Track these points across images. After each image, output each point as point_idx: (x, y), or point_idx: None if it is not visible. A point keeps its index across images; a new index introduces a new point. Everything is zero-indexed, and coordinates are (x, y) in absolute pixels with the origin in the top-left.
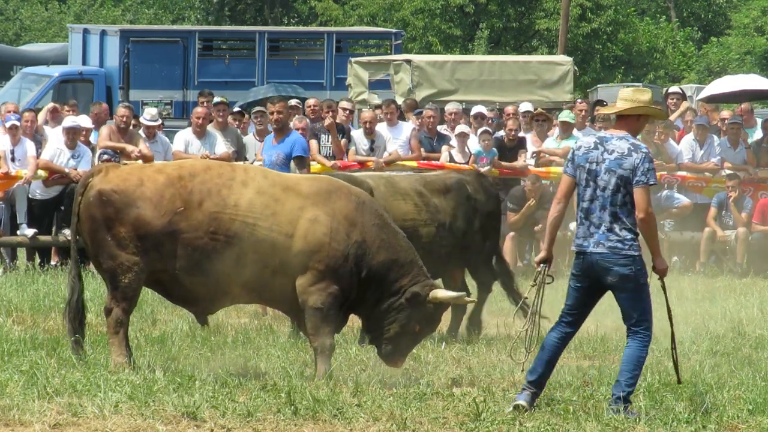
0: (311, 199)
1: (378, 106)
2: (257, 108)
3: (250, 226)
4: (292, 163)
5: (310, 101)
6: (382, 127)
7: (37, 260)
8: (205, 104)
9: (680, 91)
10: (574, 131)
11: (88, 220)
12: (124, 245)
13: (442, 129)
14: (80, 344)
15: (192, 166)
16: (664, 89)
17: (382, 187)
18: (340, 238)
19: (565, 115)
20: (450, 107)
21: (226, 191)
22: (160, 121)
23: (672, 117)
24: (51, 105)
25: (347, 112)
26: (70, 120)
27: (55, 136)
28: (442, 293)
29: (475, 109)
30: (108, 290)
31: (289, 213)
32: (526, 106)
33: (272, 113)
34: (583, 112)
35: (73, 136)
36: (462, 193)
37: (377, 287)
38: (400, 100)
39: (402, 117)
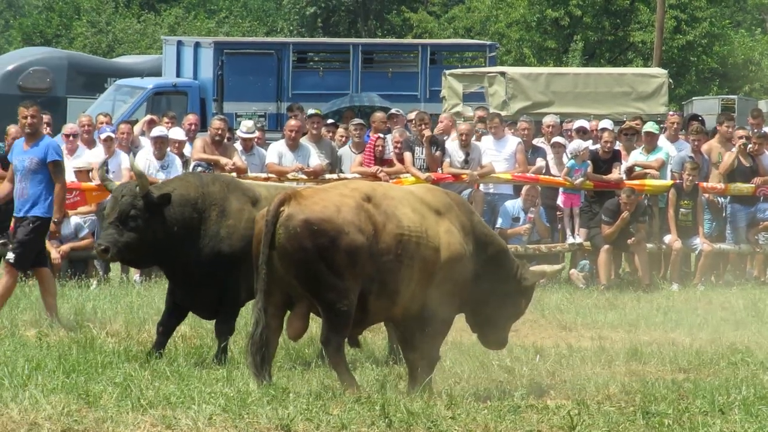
0: (440, 211)
1: (481, 119)
2: (357, 120)
3: (422, 246)
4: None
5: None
6: (487, 140)
7: (132, 273)
8: (297, 117)
9: None
10: (666, 143)
11: (298, 252)
12: (340, 273)
13: (538, 141)
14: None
15: (362, 187)
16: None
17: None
18: (468, 247)
19: (650, 126)
20: (548, 120)
21: (399, 213)
22: (256, 134)
23: None
24: (148, 117)
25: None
26: (158, 129)
27: (146, 147)
28: (548, 268)
29: (577, 123)
30: (325, 319)
31: (432, 227)
32: (605, 124)
33: (25, 117)
34: (675, 125)
35: (161, 145)
36: None
37: (488, 280)
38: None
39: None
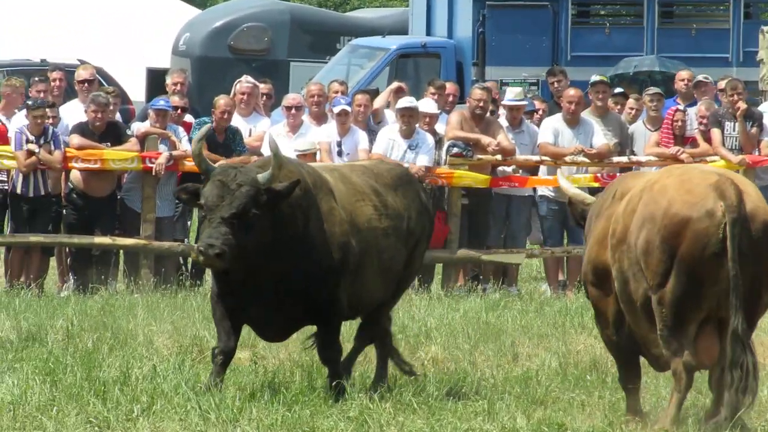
0: None
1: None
2: (653, 90)
3: None
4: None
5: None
6: None
7: None
8: (555, 84)
9: None
10: None
11: (759, 255)
12: None
13: None
14: None
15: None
16: None
17: (341, 186)
18: None
19: None
20: None
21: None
22: (525, 102)
23: None
24: (395, 85)
25: None
26: (406, 100)
27: (390, 123)
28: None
29: None
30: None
31: None
32: None
33: None
34: None
35: (410, 120)
36: (413, 188)
37: None
38: None
39: None
